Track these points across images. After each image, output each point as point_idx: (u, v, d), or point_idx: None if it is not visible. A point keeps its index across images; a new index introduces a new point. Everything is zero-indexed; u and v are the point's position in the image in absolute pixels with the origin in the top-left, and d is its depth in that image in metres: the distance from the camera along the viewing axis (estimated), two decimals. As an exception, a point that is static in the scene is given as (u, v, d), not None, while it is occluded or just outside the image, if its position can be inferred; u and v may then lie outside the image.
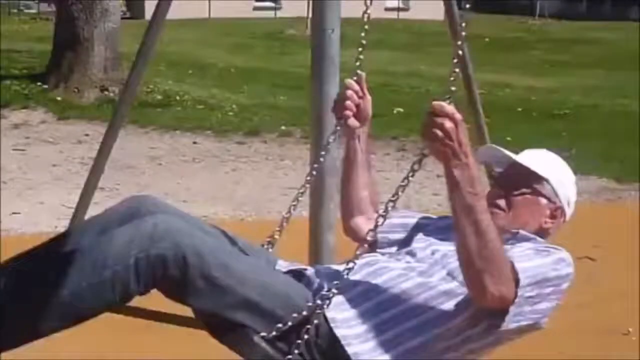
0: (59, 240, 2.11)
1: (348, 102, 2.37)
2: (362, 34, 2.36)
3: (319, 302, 1.99)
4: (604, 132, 10.18)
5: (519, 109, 11.64)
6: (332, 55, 2.82)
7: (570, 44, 23.06)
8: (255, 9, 32.07)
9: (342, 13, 2.85)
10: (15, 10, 28.73)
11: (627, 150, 8.98)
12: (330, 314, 2.00)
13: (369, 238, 2.06)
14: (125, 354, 3.94)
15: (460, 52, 2.01)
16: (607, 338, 4.29)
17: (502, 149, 2.32)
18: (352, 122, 2.39)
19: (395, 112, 10.53)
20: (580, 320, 4.25)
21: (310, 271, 2.18)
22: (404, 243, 2.32)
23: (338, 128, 2.42)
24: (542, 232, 2.25)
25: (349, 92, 2.37)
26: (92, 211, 2.82)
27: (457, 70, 1.95)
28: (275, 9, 31.62)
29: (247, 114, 10.66)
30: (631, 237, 5.70)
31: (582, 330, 4.26)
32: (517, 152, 2.33)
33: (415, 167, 1.98)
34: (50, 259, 1.96)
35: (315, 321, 1.97)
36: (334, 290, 2.00)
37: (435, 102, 1.88)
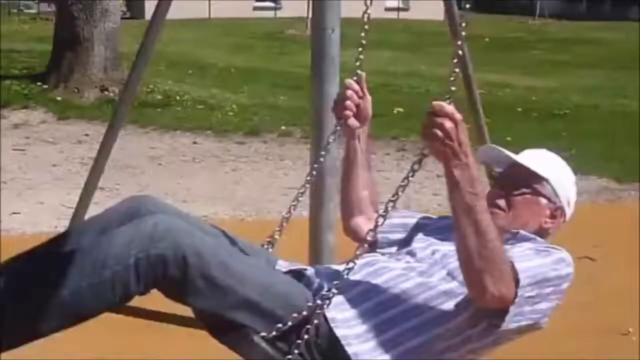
0: (59, 240, 2.11)
1: (348, 102, 2.37)
2: (362, 34, 2.36)
3: (319, 302, 1.99)
4: (604, 132, 10.18)
5: (519, 109, 11.64)
6: (332, 55, 2.82)
7: (570, 44, 23.06)
8: (255, 9, 32.07)
9: (342, 13, 2.85)
10: (15, 10, 28.73)
11: (627, 150, 8.98)
12: (330, 314, 2.00)
13: (369, 238, 2.06)
14: (125, 354, 3.94)
15: (460, 52, 2.01)
16: (607, 338, 4.29)
17: (502, 149, 2.32)
18: (352, 122, 2.39)
19: (395, 112, 10.53)
20: (580, 320, 4.26)
21: (310, 271, 2.18)
22: (404, 243, 2.32)
23: (338, 128, 2.42)
24: (542, 232, 2.25)
25: (349, 92, 2.37)
26: (92, 211, 2.82)
27: (457, 70, 1.95)
28: (275, 9, 31.62)
29: (247, 114, 10.67)
30: (631, 237, 5.70)
31: (582, 330, 4.26)
32: (517, 152, 2.33)
33: (415, 167, 1.98)
34: (50, 259, 1.96)
35: (315, 321, 1.97)
36: (334, 290, 2.00)
37: (435, 102, 1.88)
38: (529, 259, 2.03)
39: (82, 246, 1.97)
